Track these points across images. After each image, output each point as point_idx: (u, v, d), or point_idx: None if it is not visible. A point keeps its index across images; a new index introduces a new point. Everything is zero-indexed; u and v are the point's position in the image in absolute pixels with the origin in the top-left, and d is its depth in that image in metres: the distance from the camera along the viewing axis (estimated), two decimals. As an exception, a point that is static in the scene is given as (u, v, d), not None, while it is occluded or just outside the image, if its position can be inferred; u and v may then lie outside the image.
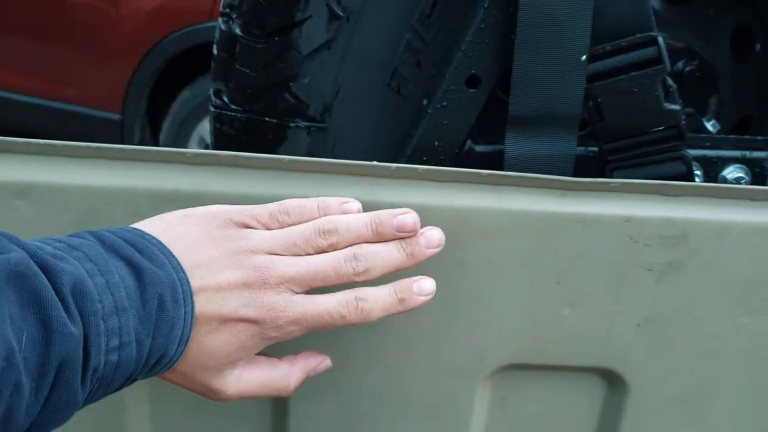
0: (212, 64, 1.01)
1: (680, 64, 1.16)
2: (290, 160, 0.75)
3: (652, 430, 0.90)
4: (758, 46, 1.22)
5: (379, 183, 0.76)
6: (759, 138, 0.97)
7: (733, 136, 0.99)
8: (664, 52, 0.83)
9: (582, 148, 0.93)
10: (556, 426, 0.91)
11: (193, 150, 0.76)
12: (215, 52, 0.99)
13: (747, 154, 0.95)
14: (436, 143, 0.92)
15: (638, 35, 0.82)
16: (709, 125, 1.08)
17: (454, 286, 0.80)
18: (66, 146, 0.74)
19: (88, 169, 0.74)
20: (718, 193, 0.79)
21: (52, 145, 0.73)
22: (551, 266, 0.80)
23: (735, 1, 1.15)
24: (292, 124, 0.99)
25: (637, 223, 0.79)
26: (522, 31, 0.80)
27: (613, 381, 0.87)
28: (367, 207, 0.72)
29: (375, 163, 0.75)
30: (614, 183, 0.78)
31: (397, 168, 0.76)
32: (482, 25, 0.85)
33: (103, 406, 0.66)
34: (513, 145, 0.85)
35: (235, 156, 0.75)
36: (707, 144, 0.95)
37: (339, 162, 0.75)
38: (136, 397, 0.86)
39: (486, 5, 0.86)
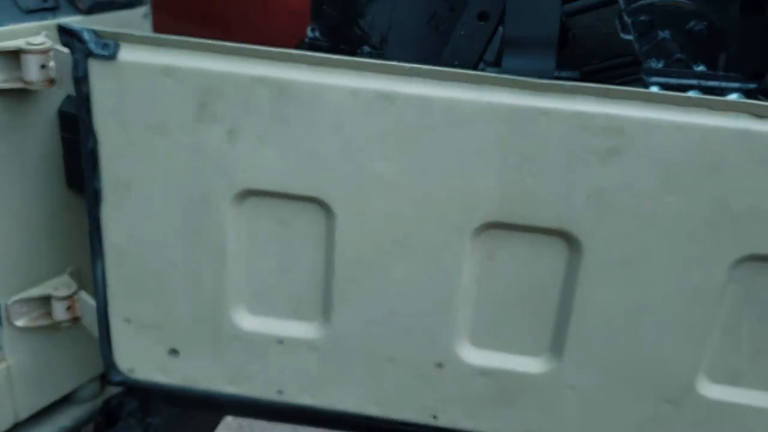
0: (310, 9, 1.39)
1: (691, 23, 1.42)
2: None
3: (602, 286, 1.17)
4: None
5: (415, 80, 1.10)
6: (718, 73, 1.22)
7: (698, 70, 1.25)
8: (621, -8, 1.11)
9: (567, 72, 1.22)
10: (532, 278, 1.20)
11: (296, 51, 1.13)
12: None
13: (702, 82, 1.21)
14: (455, 63, 1.24)
15: (599, -19, 1.12)
16: (698, 69, 1.34)
17: (448, 157, 1.12)
18: (195, 42, 1.13)
19: (210, 59, 1.13)
20: (649, 98, 1.07)
21: (189, 41, 1.13)
22: (520, 146, 1.10)
23: (746, -31, 1.38)
24: (359, 50, 1.35)
25: (586, 117, 1.08)
26: (512, -24, 1.12)
27: (571, 242, 1.16)
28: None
29: (417, 65, 1.09)
30: (569, 85, 1.08)
31: (427, 69, 1.09)
32: (489, -26, 1.18)
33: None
34: (507, 60, 1.16)
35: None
36: (673, 74, 1.22)
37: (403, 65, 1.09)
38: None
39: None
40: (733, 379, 1.21)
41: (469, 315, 1.23)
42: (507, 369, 1.26)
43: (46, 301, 1.49)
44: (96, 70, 1.16)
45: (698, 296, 1.15)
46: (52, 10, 1.39)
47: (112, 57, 1.15)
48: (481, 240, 1.18)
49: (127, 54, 1.16)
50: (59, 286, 1.49)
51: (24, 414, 1.56)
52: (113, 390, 1.77)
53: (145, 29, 1.59)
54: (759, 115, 1.04)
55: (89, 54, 1.15)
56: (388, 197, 1.16)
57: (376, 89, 1.11)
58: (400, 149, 1.13)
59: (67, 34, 1.16)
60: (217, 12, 4.27)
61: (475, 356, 1.26)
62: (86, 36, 1.15)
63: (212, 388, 1.38)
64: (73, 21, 1.42)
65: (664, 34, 1.37)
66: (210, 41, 1.14)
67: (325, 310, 1.27)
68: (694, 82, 1.22)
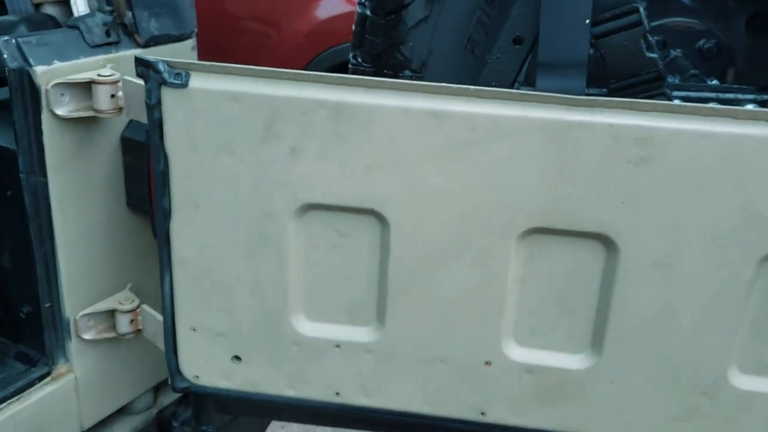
0: (352, 37, 1.51)
1: (701, 42, 1.54)
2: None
3: (638, 286, 1.27)
4: (773, 30, 1.56)
5: (461, 99, 1.20)
6: (733, 86, 1.33)
7: (713, 84, 1.36)
8: (644, 16, 1.23)
9: (596, 89, 1.33)
10: (572, 279, 1.30)
11: (346, 75, 1.24)
12: (354, 28, 1.49)
13: (719, 95, 1.32)
14: (493, 83, 1.35)
15: (626, 6, 1.23)
16: (712, 83, 1.45)
17: (493, 169, 1.23)
18: (260, 70, 1.24)
19: (274, 85, 1.24)
20: (674, 110, 1.18)
21: (255, 69, 1.24)
22: (558, 157, 1.21)
23: (749, -5, 1.50)
24: (400, 74, 1.46)
25: (618, 128, 1.19)
26: (545, 4, 1.23)
27: (608, 245, 1.26)
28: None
29: (463, 86, 1.19)
30: (601, 100, 1.19)
31: (473, 89, 1.20)
32: (523, 2, 1.29)
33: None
34: (541, 82, 1.27)
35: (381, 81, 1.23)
36: (692, 88, 1.33)
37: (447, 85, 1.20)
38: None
39: (524, -8, 1.31)
40: (762, 369, 1.30)
41: (514, 315, 1.33)
42: (550, 366, 1.35)
43: (110, 314, 1.59)
44: (169, 97, 1.28)
45: (728, 293, 1.25)
46: (115, 44, 1.51)
47: (184, 85, 1.26)
48: (524, 244, 1.28)
49: (198, 82, 1.27)
50: (123, 300, 1.59)
51: (88, 423, 1.66)
52: (165, 401, 1.87)
53: (193, 59, 1.70)
54: (778, 123, 1.14)
55: (163, 82, 1.27)
56: (439, 207, 1.27)
57: (425, 108, 1.22)
58: (449, 163, 1.24)
59: (143, 65, 1.27)
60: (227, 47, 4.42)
61: (520, 354, 1.35)
62: (161, 67, 1.26)
63: (272, 392, 1.47)
64: (133, 54, 1.54)
65: (676, 52, 1.48)
66: (273, 69, 1.26)
67: (380, 315, 1.37)
68: (712, 95, 1.34)
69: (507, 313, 1.33)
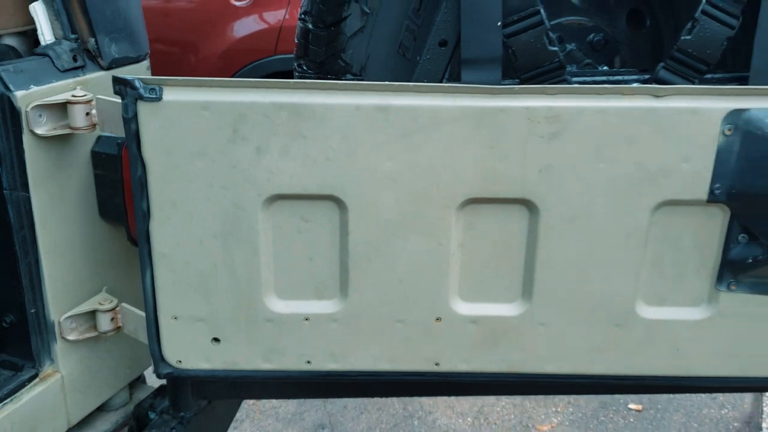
0: (295, 48, 1.71)
1: (591, 36, 1.82)
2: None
3: (557, 239, 1.52)
4: (648, 22, 1.86)
5: (403, 95, 1.43)
6: (620, 70, 1.61)
7: (604, 69, 1.64)
8: (545, 17, 1.49)
9: (511, 80, 1.59)
10: (503, 239, 1.54)
11: (296, 80, 1.44)
12: (296, 40, 1.70)
13: (609, 78, 1.60)
14: (425, 81, 1.59)
15: (529, 9, 1.49)
16: (602, 69, 1.73)
17: (433, 151, 1.46)
18: (226, 81, 1.43)
19: (239, 93, 1.44)
20: (576, 92, 1.44)
21: (221, 80, 1.43)
22: (486, 137, 1.45)
23: (629, -7, 1.80)
24: (343, 79, 1.67)
25: (532, 110, 1.44)
26: (464, 11, 1.47)
27: (531, 208, 1.51)
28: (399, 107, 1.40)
29: (404, 83, 1.42)
30: (517, 87, 1.44)
31: (412, 85, 1.42)
32: (445, 11, 1.53)
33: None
34: (465, 76, 1.51)
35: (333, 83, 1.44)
36: (587, 74, 1.60)
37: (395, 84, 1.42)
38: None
39: (446, 2, 1.55)
40: (662, 301, 1.58)
41: (458, 275, 1.56)
42: (490, 315, 1.59)
43: (91, 315, 1.73)
44: (144, 110, 1.45)
45: (630, 239, 1.52)
46: (82, 68, 1.66)
47: (158, 99, 1.44)
48: (463, 214, 1.52)
49: (170, 95, 1.44)
50: (102, 301, 1.74)
51: (75, 419, 1.79)
52: (141, 396, 2.01)
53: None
54: (657, 95, 1.42)
55: (139, 97, 1.44)
56: (389, 188, 1.49)
57: (373, 104, 1.44)
58: (396, 149, 1.46)
59: (120, 83, 1.44)
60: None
61: (465, 308, 1.59)
62: (137, 83, 1.43)
63: (250, 368, 1.65)
64: (98, 76, 1.69)
65: (571, 46, 1.77)
66: (237, 79, 1.45)
67: (343, 288, 1.58)
68: (603, 78, 1.62)
69: (452, 274, 1.56)
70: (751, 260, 1.50)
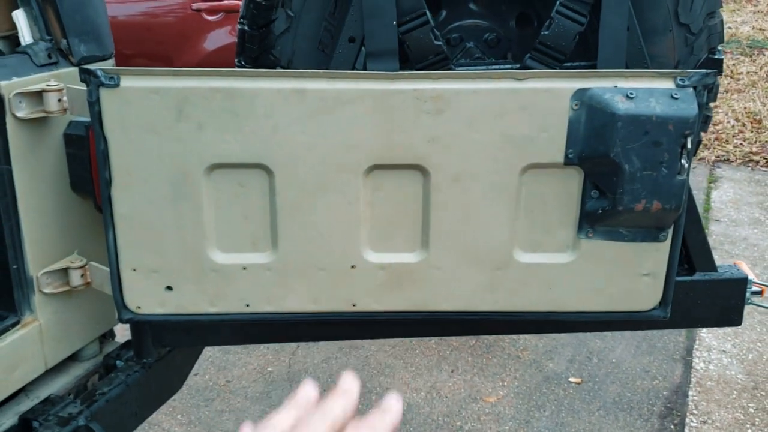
0: (236, 46, 2.05)
1: (486, 36, 2.18)
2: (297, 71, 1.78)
3: (445, 196, 1.87)
4: (536, 23, 2.22)
5: (316, 80, 1.77)
6: (501, 61, 1.97)
7: (490, 61, 2.00)
8: (430, 17, 1.84)
9: (406, 70, 1.94)
10: (404, 199, 1.89)
11: (238, 69, 1.78)
12: (237, 40, 2.04)
13: (490, 68, 1.95)
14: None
15: (418, 11, 1.84)
16: (488, 61, 2.09)
17: (342, 126, 1.80)
18: (172, 70, 1.77)
19: (182, 80, 1.77)
20: (455, 76, 1.79)
21: (168, 70, 1.77)
22: (380, 114, 1.79)
23: (517, -3, 2.16)
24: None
25: (420, 92, 1.78)
26: (366, 12, 1.82)
27: (423, 172, 1.85)
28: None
29: (317, 70, 1.76)
30: (408, 73, 1.78)
31: (323, 72, 1.77)
32: (353, 12, 1.88)
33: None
34: (370, 66, 1.86)
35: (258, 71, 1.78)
36: (473, 65, 1.96)
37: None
38: (204, 192, 1.87)
39: (353, 4, 1.90)
40: (535, 247, 1.92)
41: (368, 229, 1.90)
42: (395, 262, 1.93)
43: (64, 272, 2.05)
44: (105, 95, 1.78)
45: (504, 195, 1.86)
46: (55, 64, 1.99)
47: (116, 85, 1.77)
48: (369, 178, 1.86)
49: (127, 82, 1.78)
50: (73, 260, 2.06)
51: (51, 363, 2.10)
52: (109, 349, 2.33)
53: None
54: (519, 78, 1.77)
55: (101, 84, 1.77)
56: (306, 157, 1.83)
57: (291, 87, 1.78)
58: (310, 125, 1.80)
59: (85, 73, 1.77)
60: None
61: (375, 257, 1.92)
62: (99, 73, 1.76)
63: (198, 312, 1.98)
64: (69, 71, 2.03)
65: (470, 44, 2.12)
66: (182, 69, 1.79)
67: (274, 241, 1.91)
68: (484, 68, 1.97)
69: (363, 229, 1.90)
70: (601, 211, 1.85)
